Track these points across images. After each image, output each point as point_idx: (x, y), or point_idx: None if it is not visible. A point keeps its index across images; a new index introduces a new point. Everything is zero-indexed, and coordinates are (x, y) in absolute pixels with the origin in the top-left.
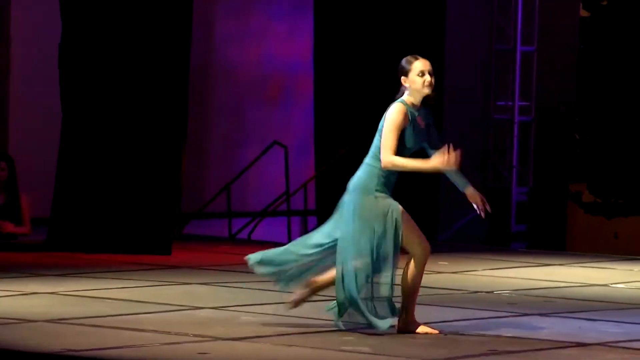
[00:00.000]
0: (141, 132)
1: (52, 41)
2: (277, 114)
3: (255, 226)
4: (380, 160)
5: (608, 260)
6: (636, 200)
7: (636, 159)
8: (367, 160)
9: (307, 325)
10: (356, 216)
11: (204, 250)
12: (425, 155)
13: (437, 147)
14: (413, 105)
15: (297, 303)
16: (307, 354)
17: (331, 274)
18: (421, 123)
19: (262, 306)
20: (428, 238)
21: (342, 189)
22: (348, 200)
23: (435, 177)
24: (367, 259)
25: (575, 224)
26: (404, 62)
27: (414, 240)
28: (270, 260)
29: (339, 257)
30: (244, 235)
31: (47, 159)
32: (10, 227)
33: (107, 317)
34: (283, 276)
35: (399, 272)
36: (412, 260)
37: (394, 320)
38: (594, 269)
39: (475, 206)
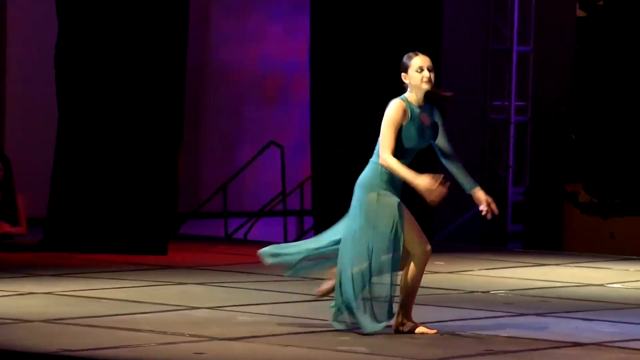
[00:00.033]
0: (137, 132)
1: (49, 41)
2: (274, 114)
3: (251, 226)
4: None
5: (604, 260)
6: (632, 200)
7: (632, 159)
8: (372, 158)
9: (304, 325)
10: (360, 213)
11: (200, 250)
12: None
13: (444, 147)
14: (415, 102)
15: (324, 293)
16: (303, 354)
17: None
18: (425, 120)
19: (258, 306)
20: None
21: (338, 189)
22: (354, 197)
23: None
24: (366, 264)
25: (571, 224)
26: (405, 58)
27: (415, 240)
28: (281, 251)
29: (339, 259)
30: (240, 235)
31: (43, 159)
32: (6, 228)
33: (104, 317)
34: (294, 264)
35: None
36: (413, 260)
37: (389, 322)
38: (590, 269)
39: (481, 207)
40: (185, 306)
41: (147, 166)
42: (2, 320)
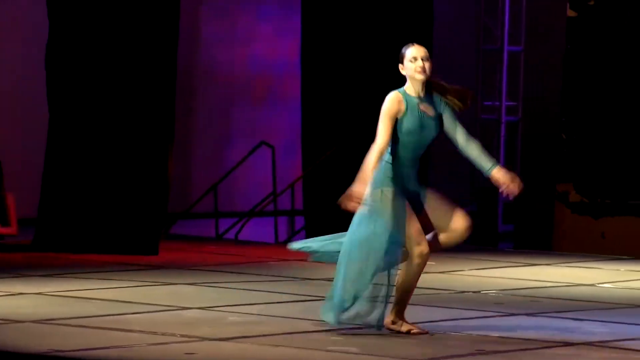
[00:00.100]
0: (128, 133)
1: (39, 41)
2: (264, 114)
3: (242, 226)
4: (389, 153)
5: (595, 260)
6: (623, 200)
7: (623, 159)
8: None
9: (294, 326)
10: (365, 209)
11: (191, 250)
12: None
13: (457, 137)
14: (414, 93)
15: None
16: (294, 354)
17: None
18: (427, 111)
19: (249, 306)
20: None
21: (329, 189)
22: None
23: (424, 173)
24: (363, 264)
25: (562, 224)
26: (402, 49)
27: (414, 239)
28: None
29: (340, 257)
30: (231, 235)
31: (34, 159)
32: None
33: (94, 318)
34: (319, 251)
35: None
36: (411, 260)
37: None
38: (581, 268)
39: (502, 188)
40: (176, 306)
41: (137, 166)
42: None
